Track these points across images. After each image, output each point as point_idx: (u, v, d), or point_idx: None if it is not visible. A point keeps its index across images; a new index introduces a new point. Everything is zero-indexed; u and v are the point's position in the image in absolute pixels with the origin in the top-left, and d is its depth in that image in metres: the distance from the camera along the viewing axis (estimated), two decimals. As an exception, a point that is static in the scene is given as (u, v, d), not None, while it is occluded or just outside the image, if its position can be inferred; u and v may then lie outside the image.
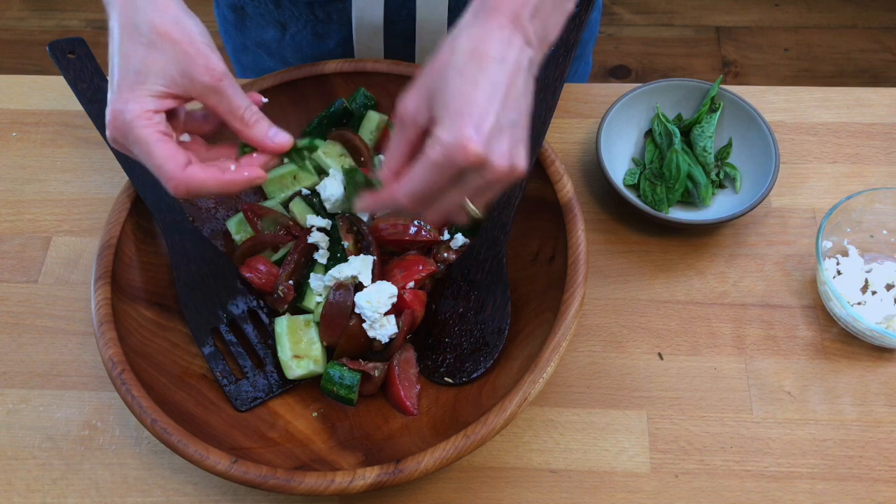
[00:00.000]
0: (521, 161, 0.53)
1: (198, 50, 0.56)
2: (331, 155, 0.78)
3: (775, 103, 0.87)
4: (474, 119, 0.50)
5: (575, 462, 0.68)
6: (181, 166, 0.56)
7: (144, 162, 0.56)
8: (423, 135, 0.54)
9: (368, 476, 0.58)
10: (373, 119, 0.79)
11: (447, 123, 0.51)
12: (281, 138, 0.60)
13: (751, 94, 0.84)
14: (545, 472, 0.67)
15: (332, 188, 0.74)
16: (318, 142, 0.77)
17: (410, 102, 0.54)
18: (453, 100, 0.51)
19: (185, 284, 0.70)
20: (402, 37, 0.86)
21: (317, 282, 0.70)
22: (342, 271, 0.68)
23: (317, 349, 0.68)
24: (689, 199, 0.79)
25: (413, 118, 0.54)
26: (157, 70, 0.55)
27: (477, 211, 0.63)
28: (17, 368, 0.73)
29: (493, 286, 0.70)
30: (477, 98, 0.51)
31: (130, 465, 0.68)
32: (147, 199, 0.71)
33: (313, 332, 0.69)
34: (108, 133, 0.57)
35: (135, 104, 0.55)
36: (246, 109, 0.59)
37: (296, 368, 0.68)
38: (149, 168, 0.56)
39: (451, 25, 0.77)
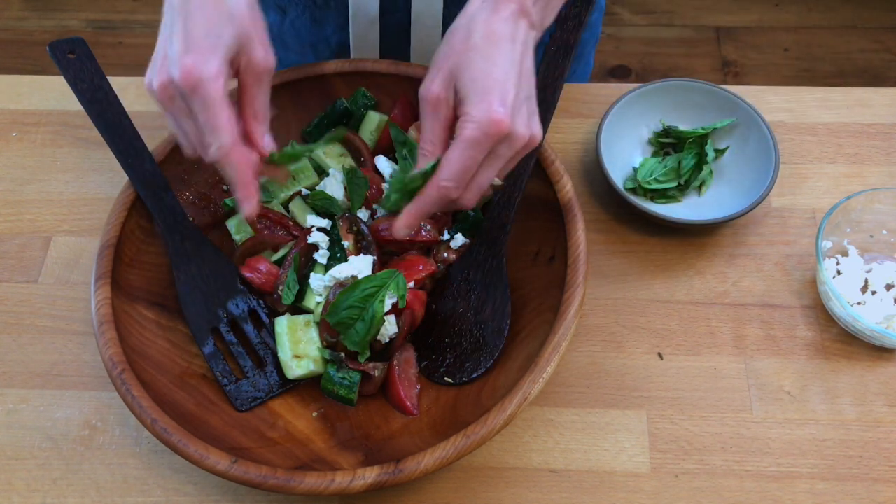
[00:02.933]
0: (538, 129, 0.59)
1: (262, 36, 0.60)
2: (331, 155, 0.78)
3: (775, 103, 0.87)
4: (499, 94, 0.56)
5: (575, 462, 0.68)
6: (235, 138, 0.58)
7: (202, 121, 0.57)
8: (454, 116, 0.59)
9: (368, 476, 0.58)
10: (373, 119, 0.79)
11: (476, 101, 0.56)
12: (268, 142, 0.63)
13: (751, 94, 0.84)
14: (545, 472, 0.67)
15: (332, 188, 0.75)
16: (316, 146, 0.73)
17: (435, 86, 0.58)
18: (479, 79, 0.56)
19: (185, 284, 0.70)
20: (397, 28, 0.86)
21: (317, 282, 0.70)
22: (342, 271, 0.68)
23: (316, 349, 0.68)
24: (669, 195, 0.79)
25: (443, 100, 0.58)
26: (230, 39, 0.58)
27: (499, 181, 0.66)
28: (17, 368, 0.73)
29: (493, 286, 0.70)
30: (498, 76, 0.56)
31: (130, 465, 0.68)
32: (147, 199, 0.71)
33: (313, 332, 0.69)
34: (175, 80, 0.57)
35: (215, 62, 0.57)
36: (265, 107, 0.62)
37: (296, 368, 0.68)
38: (202, 129, 0.58)
39: (447, 19, 0.79)
